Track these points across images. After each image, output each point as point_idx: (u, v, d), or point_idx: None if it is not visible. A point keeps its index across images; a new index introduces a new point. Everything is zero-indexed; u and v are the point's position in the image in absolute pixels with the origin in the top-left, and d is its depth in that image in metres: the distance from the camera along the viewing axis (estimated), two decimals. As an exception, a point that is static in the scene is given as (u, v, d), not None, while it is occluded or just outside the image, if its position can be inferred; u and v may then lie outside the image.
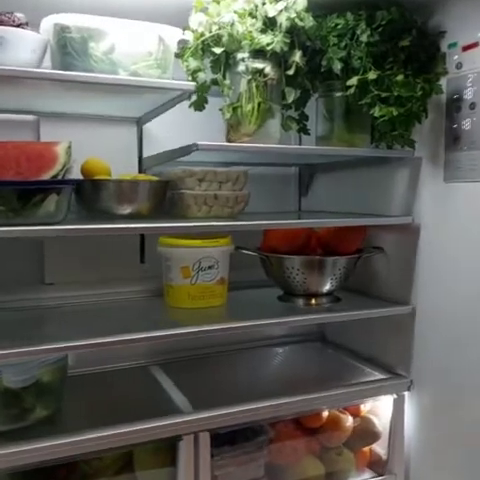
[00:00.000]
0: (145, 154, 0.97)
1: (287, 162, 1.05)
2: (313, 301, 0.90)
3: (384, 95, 0.78)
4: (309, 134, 0.90)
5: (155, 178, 0.85)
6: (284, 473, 0.86)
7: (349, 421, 0.90)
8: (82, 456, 0.70)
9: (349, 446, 0.91)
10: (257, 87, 0.76)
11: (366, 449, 0.94)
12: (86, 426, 0.71)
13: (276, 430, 0.85)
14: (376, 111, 0.78)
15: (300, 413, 0.85)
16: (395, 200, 0.91)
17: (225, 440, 0.79)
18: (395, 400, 0.90)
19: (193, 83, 0.73)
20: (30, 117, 0.89)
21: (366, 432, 0.92)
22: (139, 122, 0.96)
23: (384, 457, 0.93)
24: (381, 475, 0.92)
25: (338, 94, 0.83)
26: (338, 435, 0.89)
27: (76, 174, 0.85)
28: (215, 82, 0.80)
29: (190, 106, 0.78)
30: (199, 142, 0.70)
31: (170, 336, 0.72)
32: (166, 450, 0.75)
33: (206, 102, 0.78)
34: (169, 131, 0.93)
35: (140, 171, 0.96)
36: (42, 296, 0.91)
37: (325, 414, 0.88)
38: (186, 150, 0.73)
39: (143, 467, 0.76)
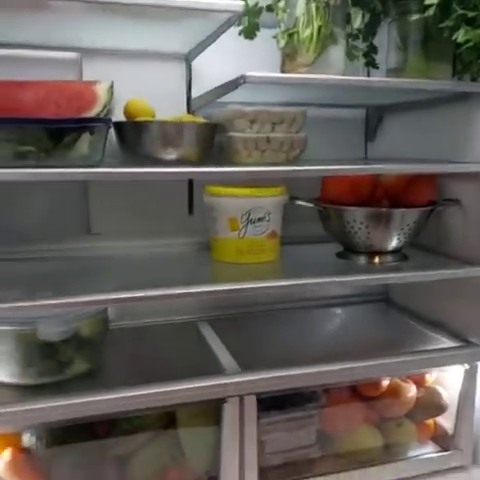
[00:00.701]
0: (194, 95, 0.88)
1: (352, 102, 0.93)
2: (377, 259, 0.80)
3: (471, 15, 0.65)
4: (378, 67, 0.78)
5: (202, 120, 0.77)
6: (337, 442, 0.80)
7: (412, 391, 0.82)
8: (122, 414, 0.66)
9: (411, 417, 0.83)
10: (317, 9, 0.65)
11: (430, 421, 0.86)
12: (127, 383, 0.67)
13: (330, 396, 0.78)
14: (460, 35, 0.66)
15: (358, 381, 0.77)
16: (476, 145, 0.78)
17: (273, 404, 0.74)
18: (466, 371, 0.81)
19: (242, 2, 0.63)
20: (72, 54, 0.83)
21: (431, 404, 0.84)
22: (187, 59, 0.87)
23: (450, 431, 0.85)
24: (446, 450, 0.84)
25: (414, 17, 0.70)
26: (399, 406, 0.81)
27: (118, 116, 0.80)
28: (269, 8, 0.70)
29: (240, 33, 0.69)
30: (247, 73, 0.61)
31: (212, 293, 0.66)
32: (211, 411, 0.70)
33: (257, 29, 0.68)
34: (220, 69, 0.84)
35: (189, 113, 0.88)
36: (88, 246, 0.87)
37: (385, 382, 0.80)
38: (233, 84, 0.64)
39: (186, 427, 0.72)
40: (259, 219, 0.78)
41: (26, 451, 0.65)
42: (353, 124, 0.98)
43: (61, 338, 0.64)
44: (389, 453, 0.81)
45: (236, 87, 0.63)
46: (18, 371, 0.65)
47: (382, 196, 0.81)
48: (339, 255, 0.84)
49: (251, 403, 0.69)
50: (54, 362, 0.65)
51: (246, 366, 0.72)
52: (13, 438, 0.66)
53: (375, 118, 0.97)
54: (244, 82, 0.61)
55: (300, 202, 0.81)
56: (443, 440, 0.85)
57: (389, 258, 0.80)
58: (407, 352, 0.78)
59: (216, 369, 0.72)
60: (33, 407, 0.61)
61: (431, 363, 0.79)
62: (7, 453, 0.64)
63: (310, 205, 0.81)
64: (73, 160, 0.61)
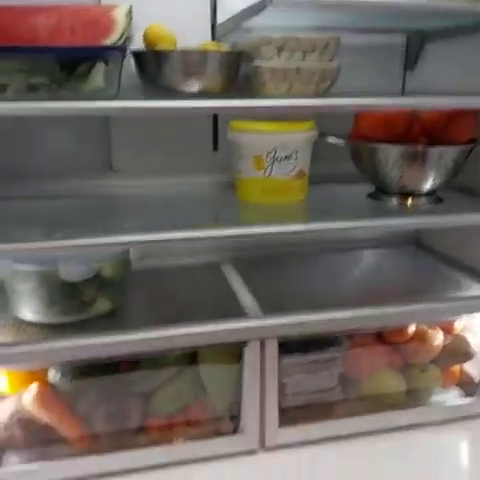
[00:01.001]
0: (219, 21, 0.82)
1: (391, 25, 0.84)
2: (409, 201, 0.76)
3: None
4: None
5: (226, 48, 0.71)
6: (360, 385, 0.79)
7: (439, 338, 0.80)
8: (143, 354, 0.66)
9: (436, 364, 0.81)
10: None
11: (455, 368, 0.84)
12: (149, 323, 0.66)
13: (354, 340, 0.77)
14: None
15: (384, 327, 0.75)
16: None
17: (295, 347, 0.72)
18: (497, 318, 0.78)
19: None
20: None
21: (458, 351, 0.82)
22: (211, -21, 0.80)
23: (476, 379, 0.83)
24: (470, 395, 0.82)
25: None
26: (425, 353, 0.79)
27: (138, 44, 0.75)
28: None
29: None
30: (274, -6, 0.55)
31: (235, 236, 0.63)
32: (233, 351, 0.70)
33: None
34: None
35: (213, 41, 0.82)
36: (109, 183, 0.85)
37: (412, 329, 0.77)
38: (258, 6, 0.58)
39: (208, 365, 0.72)
40: (286, 157, 0.74)
41: (52, 385, 0.66)
42: (391, 52, 0.90)
43: (82, 278, 0.63)
44: (412, 398, 0.80)
45: (262, 9, 0.57)
46: (42, 310, 0.65)
47: (419, 133, 0.75)
48: (370, 196, 0.80)
49: (272, 347, 0.68)
50: (76, 301, 0.65)
51: (269, 309, 0.70)
52: (39, 373, 0.67)
53: (416, 45, 0.89)
54: (271, 1, 0.55)
55: (331, 139, 0.76)
56: (468, 387, 0.84)
57: (423, 200, 0.76)
58: (437, 298, 0.75)
59: (238, 311, 0.71)
60: (57, 345, 0.61)
61: (462, 310, 0.76)
62: (34, 387, 0.65)
63: (341, 142, 0.76)
64: (87, 92, 0.57)
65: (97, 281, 0.65)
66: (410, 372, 0.81)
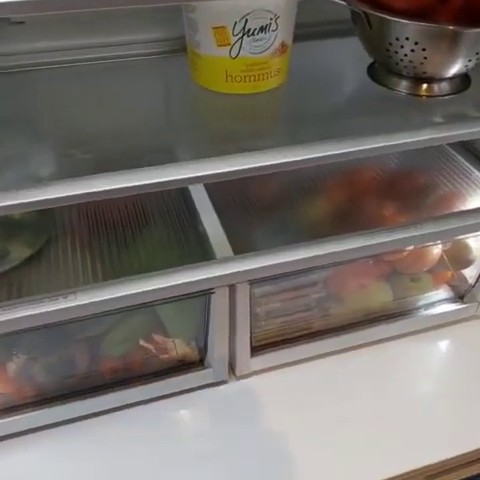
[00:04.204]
0: None
1: None
2: (425, 87, 0.56)
3: None
4: None
5: None
6: (341, 303, 0.69)
7: (438, 248, 0.67)
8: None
9: (430, 272, 0.71)
10: None
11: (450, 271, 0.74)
12: (84, 267, 0.51)
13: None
14: None
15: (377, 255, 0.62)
16: None
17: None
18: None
19: None
20: None
21: (457, 258, 0.71)
22: None
23: (470, 280, 0.73)
24: (460, 298, 0.74)
25: None
26: (421, 265, 0.68)
27: None
28: None
29: None
30: None
31: (183, 180, 0.44)
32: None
33: None
34: None
35: None
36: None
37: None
38: None
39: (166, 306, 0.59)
40: (261, 29, 0.50)
41: None
42: None
43: None
44: (398, 308, 0.71)
45: None
46: None
47: (451, 9, 0.51)
48: (372, 76, 0.59)
49: (244, 291, 0.55)
50: None
51: (238, 243, 0.55)
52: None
53: None
54: None
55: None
56: (459, 288, 0.75)
57: (444, 87, 0.56)
58: (443, 217, 0.61)
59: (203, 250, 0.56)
60: None
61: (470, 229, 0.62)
62: None
63: (343, 3, 0.52)
64: None
65: (5, 229, 0.47)
66: (399, 282, 0.71)
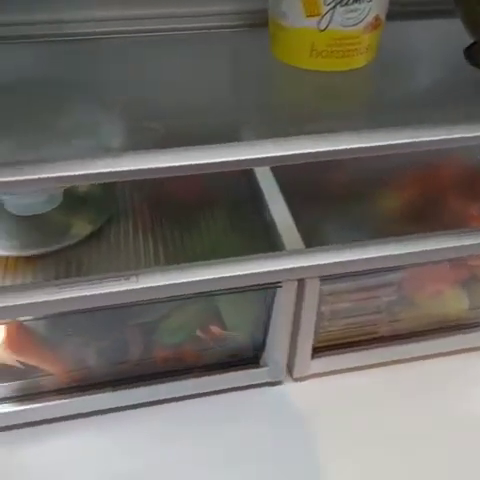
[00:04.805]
0: None
1: None
2: None
3: None
4: None
5: None
6: (413, 308, 0.63)
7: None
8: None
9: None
10: None
11: None
12: (145, 248, 0.48)
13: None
14: None
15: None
16: None
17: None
18: None
19: None
20: None
21: None
22: None
23: None
24: None
25: None
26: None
27: None
28: None
29: None
30: None
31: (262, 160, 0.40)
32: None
33: None
34: None
35: None
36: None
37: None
38: None
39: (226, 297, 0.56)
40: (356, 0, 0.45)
41: (25, 326, 0.51)
42: None
43: (43, 211, 0.42)
44: (476, 317, 0.65)
45: None
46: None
47: None
48: (473, 58, 0.53)
49: (313, 287, 0.51)
50: (41, 234, 0.46)
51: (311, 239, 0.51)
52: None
53: None
54: None
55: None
56: None
57: None
58: None
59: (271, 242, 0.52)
60: (15, 302, 0.44)
61: None
62: (1, 331, 0.50)
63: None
64: None
65: (69, 203, 0.44)
66: (477, 289, 0.65)
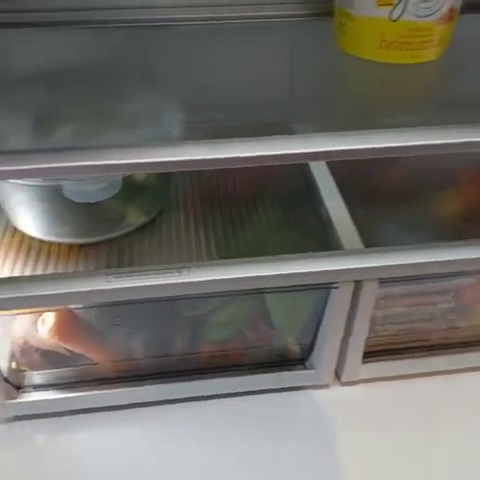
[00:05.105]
0: None
1: None
2: None
3: None
4: None
5: None
6: (470, 316, 0.60)
7: None
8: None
9: None
10: None
11: None
12: (197, 244, 0.47)
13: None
14: None
15: None
16: None
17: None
18: None
19: None
20: None
21: None
22: None
23: None
24: None
25: None
26: None
27: None
28: None
29: None
30: None
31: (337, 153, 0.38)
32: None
33: None
34: None
35: None
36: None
37: None
38: None
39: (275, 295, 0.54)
40: (433, -13, 0.43)
41: (73, 313, 0.51)
42: None
43: (100, 199, 0.42)
44: None
45: None
46: (46, 228, 0.46)
47: None
48: None
49: (370, 290, 0.48)
50: (95, 222, 0.45)
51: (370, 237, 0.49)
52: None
53: None
54: None
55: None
56: None
57: None
58: None
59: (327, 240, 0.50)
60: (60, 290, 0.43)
61: None
62: (51, 317, 0.50)
63: None
64: None
65: (125, 192, 0.43)
66: None
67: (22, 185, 0.41)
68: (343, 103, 0.46)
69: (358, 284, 0.48)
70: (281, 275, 0.45)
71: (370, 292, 0.48)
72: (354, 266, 0.46)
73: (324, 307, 0.51)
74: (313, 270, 0.45)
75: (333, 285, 0.48)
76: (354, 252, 0.47)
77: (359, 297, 0.49)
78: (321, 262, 0.45)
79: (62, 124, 0.40)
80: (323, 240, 0.50)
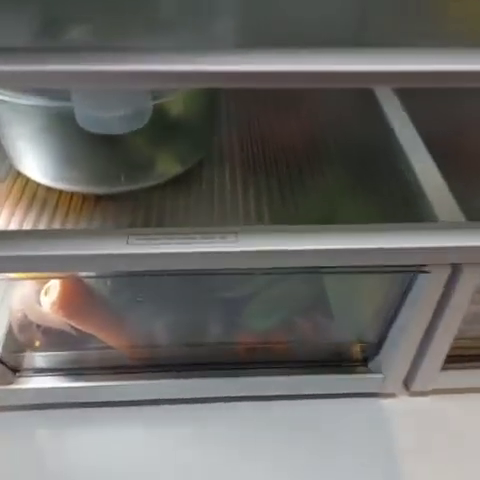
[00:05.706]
0: None
1: None
2: None
3: None
4: None
5: None
6: None
7: None
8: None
9: None
10: None
11: None
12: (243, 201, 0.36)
13: None
14: None
15: None
16: None
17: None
18: None
19: None
20: None
21: None
22: None
23: None
24: None
25: None
26: None
27: None
28: None
29: None
30: None
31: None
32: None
33: None
34: None
35: None
36: None
37: None
38: None
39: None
40: None
41: (83, 283, 0.40)
42: None
43: (124, 131, 0.31)
44: None
45: None
46: (56, 173, 0.35)
47: None
48: None
49: (471, 276, 0.36)
50: (117, 167, 0.34)
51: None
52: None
53: None
54: None
55: None
56: None
57: None
58: None
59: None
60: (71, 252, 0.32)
61: None
62: (55, 286, 0.39)
63: None
64: None
65: (156, 131, 0.32)
66: None
67: (25, 106, 0.31)
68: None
69: (456, 268, 0.36)
70: (350, 250, 0.33)
71: (471, 280, 0.36)
72: (454, 244, 0.34)
73: (404, 297, 0.39)
74: (398, 246, 0.34)
75: (423, 268, 0.36)
76: (453, 225, 0.35)
77: (455, 286, 0.37)
78: (409, 237, 0.34)
79: (78, 23, 0.29)
80: (411, 210, 0.38)
